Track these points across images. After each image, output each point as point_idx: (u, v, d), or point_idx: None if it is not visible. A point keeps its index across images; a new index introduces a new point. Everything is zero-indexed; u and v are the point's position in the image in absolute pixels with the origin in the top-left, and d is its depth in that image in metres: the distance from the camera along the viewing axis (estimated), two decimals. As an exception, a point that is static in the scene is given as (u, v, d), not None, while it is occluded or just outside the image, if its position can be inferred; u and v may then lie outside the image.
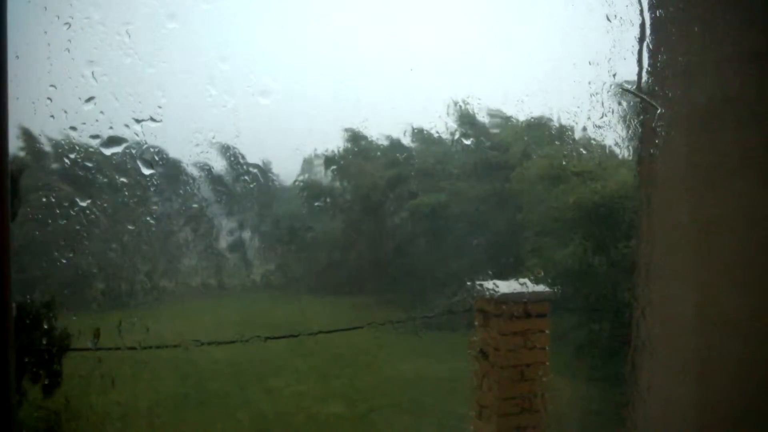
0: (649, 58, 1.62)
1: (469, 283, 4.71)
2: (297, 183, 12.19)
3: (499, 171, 10.98)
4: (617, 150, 8.58)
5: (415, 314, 8.75)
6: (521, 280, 4.54)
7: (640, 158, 1.69)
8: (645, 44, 1.63)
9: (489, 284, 4.55)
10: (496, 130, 11.67)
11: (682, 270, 1.58)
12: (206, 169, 11.38)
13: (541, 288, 4.50)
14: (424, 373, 8.13)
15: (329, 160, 12.09)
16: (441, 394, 7.27)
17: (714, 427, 1.50)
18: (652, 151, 1.62)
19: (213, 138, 10.05)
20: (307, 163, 12.39)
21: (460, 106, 10.86)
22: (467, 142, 11.18)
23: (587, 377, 7.26)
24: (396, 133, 11.96)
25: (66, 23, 3.70)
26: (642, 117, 1.60)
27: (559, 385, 5.91)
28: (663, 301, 1.66)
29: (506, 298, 4.35)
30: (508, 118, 11.51)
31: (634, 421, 1.79)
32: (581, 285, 7.62)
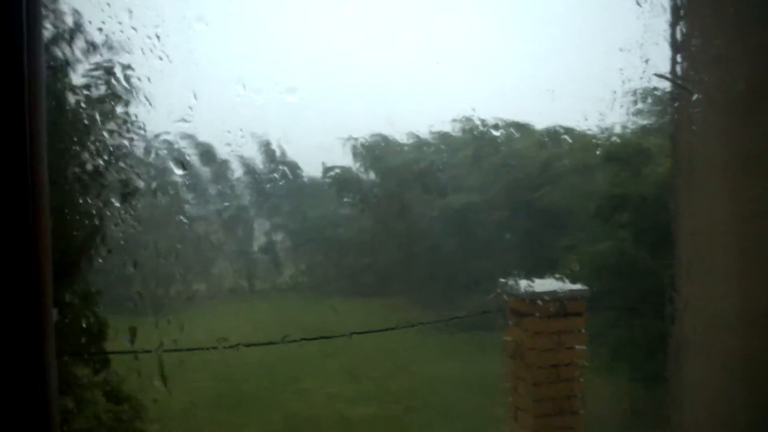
0: (683, 42, 1.55)
1: (501, 282, 4.63)
2: (326, 180, 12.25)
3: (529, 164, 10.81)
4: (653, 138, 8.32)
5: (446, 315, 8.69)
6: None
7: (676, 147, 1.62)
8: (678, 28, 1.56)
9: (522, 282, 4.47)
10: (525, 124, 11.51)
11: (724, 264, 1.50)
12: (237, 169, 11.54)
13: (576, 286, 4.41)
14: (457, 374, 8.06)
15: (356, 155, 12.12)
16: (475, 396, 7.18)
17: (759, 426, 1.43)
18: (689, 139, 1.55)
19: (242, 137, 10.18)
20: (338, 159, 12.42)
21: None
22: (497, 133, 11.06)
23: (627, 377, 7.08)
24: (423, 132, 11.92)
25: (99, 28, 3.83)
26: (677, 104, 1.54)
27: (597, 385, 5.77)
28: (705, 297, 1.58)
29: (540, 297, 4.27)
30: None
31: (677, 422, 1.72)
32: (619, 281, 7.43)
